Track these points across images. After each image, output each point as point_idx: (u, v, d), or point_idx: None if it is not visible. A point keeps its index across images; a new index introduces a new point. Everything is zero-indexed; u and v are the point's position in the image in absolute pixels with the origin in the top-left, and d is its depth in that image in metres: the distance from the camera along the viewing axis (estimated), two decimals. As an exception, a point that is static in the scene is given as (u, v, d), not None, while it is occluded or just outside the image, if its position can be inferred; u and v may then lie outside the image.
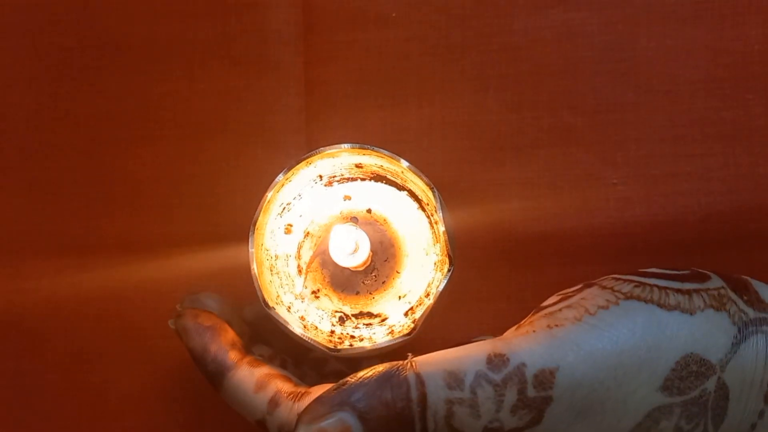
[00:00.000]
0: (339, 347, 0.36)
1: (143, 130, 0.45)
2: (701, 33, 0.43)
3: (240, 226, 0.38)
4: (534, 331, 0.33)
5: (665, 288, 0.34)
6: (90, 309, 0.44)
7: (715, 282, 0.35)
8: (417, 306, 0.38)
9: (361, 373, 0.33)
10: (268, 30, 0.45)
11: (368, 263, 0.39)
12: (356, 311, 0.39)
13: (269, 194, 0.37)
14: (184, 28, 0.45)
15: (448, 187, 0.38)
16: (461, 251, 0.38)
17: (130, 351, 0.44)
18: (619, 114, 0.43)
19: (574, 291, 0.35)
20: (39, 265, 0.44)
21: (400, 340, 0.36)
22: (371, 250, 0.38)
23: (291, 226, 0.40)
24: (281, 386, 0.36)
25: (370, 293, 0.39)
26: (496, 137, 0.44)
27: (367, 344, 0.37)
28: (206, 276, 0.41)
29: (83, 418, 0.44)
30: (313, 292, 0.39)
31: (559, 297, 0.35)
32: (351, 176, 0.40)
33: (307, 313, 0.39)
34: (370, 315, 0.39)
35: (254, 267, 0.37)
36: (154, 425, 0.43)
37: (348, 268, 0.39)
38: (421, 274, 0.39)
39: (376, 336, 0.38)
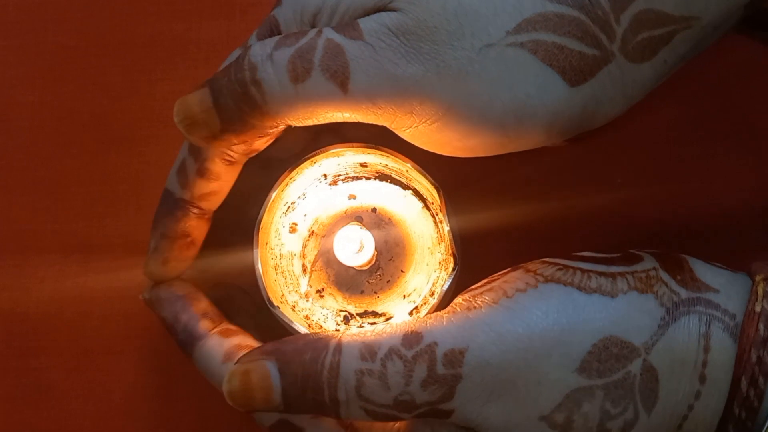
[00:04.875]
0: (344, 346, 0.37)
1: (147, 130, 0.45)
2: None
3: (244, 226, 0.38)
4: (454, 312, 0.34)
5: (588, 271, 0.34)
6: (94, 308, 0.44)
7: (646, 264, 0.35)
8: (422, 305, 0.38)
9: (302, 334, 0.35)
10: (272, 29, 0.45)
11: (373, 262, 0.39)
12: (361, 310, 0.39)
13: (273, 193, 0.37)
14: (188, 28, 0.45)
15: (453, 186, 0.38)
16: (465, 250, 0.38)
17: (135, 350, 0.44)
18: (624, 113, 0.43)
19: (500, 274, 0.36)
20: (43, 264, 0.44)
21: (405, 339, 0.36)
22: (376, 250, 0.38)
23: (296, 225, 0.40)
24: None
25: (375, 292, 0.39)
26: (501, 136, 0.44)
27: (371, 343, 0.37)
28: (210, 275, 0.41)
29: (87, 416, 0.44)
30: (318, 291, 0.39)
31: (487, 279, 0.36)
32: (356, 175, 0.40)
33: (312, 312, 0.39)
34: (374, 314, 0.39)
35: (259, 266, 0.37)
36: (159, 423, 0.43)
37: (353, 268, 0.39)
38: (426, 273, 0.39)
39: (380, 335, 0.38)
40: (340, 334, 0.34)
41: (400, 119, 0.34)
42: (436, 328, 0.34)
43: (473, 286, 0.36)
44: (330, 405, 0.34)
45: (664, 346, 0.33)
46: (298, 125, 0.35)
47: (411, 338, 0.33)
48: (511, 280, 0.35)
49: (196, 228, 0.38)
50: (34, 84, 0.46)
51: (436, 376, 0.33)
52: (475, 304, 0.34)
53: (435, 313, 0.35)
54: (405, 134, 0.35)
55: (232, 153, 0.37)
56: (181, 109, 0.35)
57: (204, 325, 0.38)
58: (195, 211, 0.38)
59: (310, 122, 0.35)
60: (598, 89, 0.34)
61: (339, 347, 0.34)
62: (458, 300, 0.35)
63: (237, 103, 0.34)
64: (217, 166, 0.37)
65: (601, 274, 0.34)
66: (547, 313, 0.33)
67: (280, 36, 0.34)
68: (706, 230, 0.42)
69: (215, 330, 0.38)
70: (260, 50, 0.34)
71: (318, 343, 0.34)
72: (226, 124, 0.34)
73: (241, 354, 0.36)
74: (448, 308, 0.35)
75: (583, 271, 0.34)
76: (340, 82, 0.33)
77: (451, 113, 0.33)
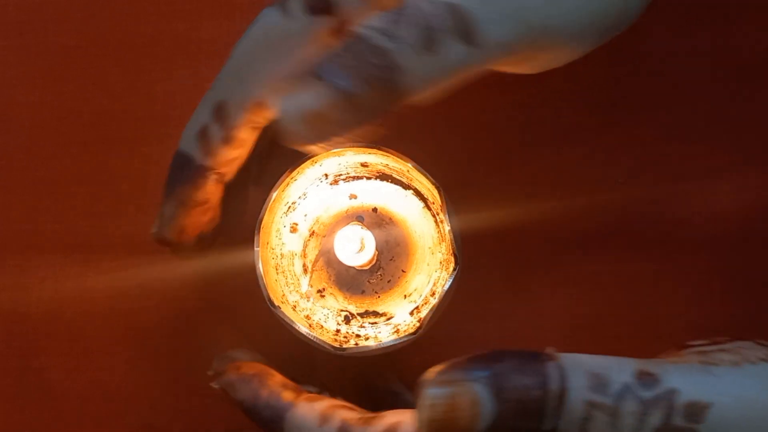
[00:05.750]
0: (344, 346, 0.36)
1: (148, 129, 0.45)
2: (706, 31, 0.43)
3: (245, 225, 0.38)
4: (688, 363, 0.32)
5: None
6: (95, 308, 0.44)
7: None
8: (422, 305, 0.38)
9: (505, 350, 0.32)
10: (272, 29, 0.45)
11: (373, 262, 0.39)
12: (362, 310, 0.39)
13: (274, 193, 0.37)
14: (189, 27, 0.45)
15: (453, 186, 0.38)
16: (467, 250, 0.38)
17: (136, 350, 0.44)
18: (625, 113, 0.43)
19: (723, 339, 0.34)
20: (43, 264, 0.44)
21: (406, 339, 0.36)
22: (376, 249, 0.39)
23: (296, 225, 0.40)
24: (347, 415, 0.35)
25: (376, 292, 0.39)
26: (502, 136, 0.44)
27: (372, 343, 0.37)
28: (210, 274, 0.41)
29: (88, 416, 0.44)
30: (319, 291, 0.39)
31: (708, 341, 0.34)
32: (356, 175, 0.40)
33: (313, 312, 0.39)
34: (375, 314, 0.39)
35: (260, 266, 0.37)
36: (160, 424, 0.43)
37: (353, 267, 0.39)
38: (427, 273, 0.39)
39: (381, 335, 0.38)
40: (554, 355, 0.32)
41: (523, 55, 0.33)
42: (673, 374, 0.31)
43: (694, 342, 0.34)
44: None
45: None
46: (422, 98, 0.33)
47: (646, 378, 0.31)
48: (746, 347, 0.33)
49: (215, 193, 0.36)
50: (34, 84, 0.46)
51: (672, 427, 0.30)
52: (713, 361, 0.32)
53: (662, 359, 0.33)
54: (507, 67, 0.35)
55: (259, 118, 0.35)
56: (305, 117, 0.31)
57: (287, 395, 0.36)
58: (215, 176, 0.36)
59: (434, 94, 0.33)
60: None
61: (563, 372, 0.31)
62: (680, 352, 0.33)
63: (379, 91, 0.32)
64: (245, 133, 0.35)
65: None
66: None
67: (379, 15, 0.32)
68: (707, 230, 0.42)
69: (300, 398, 0.36)
70: (373, 33, 0.32)
71: (532, 365, 0.31)
72: (361, 115, 0.32)
73: (338, 414, 0.34)
74: (675, 358, 0.33)
75: None
76: (470, 39, 0.32)
77: (565, 33, 0.33)
